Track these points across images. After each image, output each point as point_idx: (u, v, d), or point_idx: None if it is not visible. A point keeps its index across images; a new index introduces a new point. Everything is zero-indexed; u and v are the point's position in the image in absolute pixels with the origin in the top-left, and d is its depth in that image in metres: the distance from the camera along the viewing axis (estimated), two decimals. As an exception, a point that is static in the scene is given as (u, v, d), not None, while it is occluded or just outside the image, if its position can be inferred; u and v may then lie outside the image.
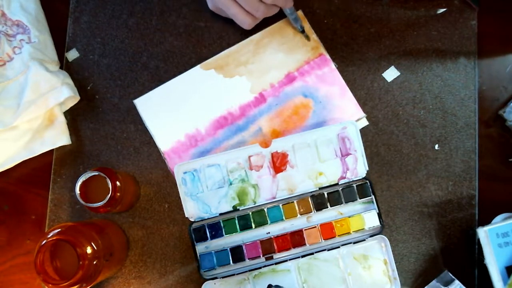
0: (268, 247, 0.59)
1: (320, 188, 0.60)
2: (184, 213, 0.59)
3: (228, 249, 0.59)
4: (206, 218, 0.60)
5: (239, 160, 0.60)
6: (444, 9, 0.65)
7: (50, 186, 0.63)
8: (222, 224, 0.60)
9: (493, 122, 0.63)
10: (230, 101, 0.64)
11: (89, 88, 0.65)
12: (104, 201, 0.54)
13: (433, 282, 0.58)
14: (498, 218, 0.58)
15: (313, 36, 0.64)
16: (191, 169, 0.60)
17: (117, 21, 0.66)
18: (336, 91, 0.63)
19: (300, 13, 0.65)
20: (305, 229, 0.59)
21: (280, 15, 0.64)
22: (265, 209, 0.60)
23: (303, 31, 0.64)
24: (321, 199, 0.60)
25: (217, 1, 0.57)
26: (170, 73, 0.65)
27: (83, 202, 0.55)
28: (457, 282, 0.56)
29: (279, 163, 0.60)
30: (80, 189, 0.55)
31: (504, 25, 0.65)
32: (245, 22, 0.58)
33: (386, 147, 0.62)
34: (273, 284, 0.54)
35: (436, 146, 0.62)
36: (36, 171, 0.63)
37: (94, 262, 0.51)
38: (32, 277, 0.61)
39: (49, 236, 0.50)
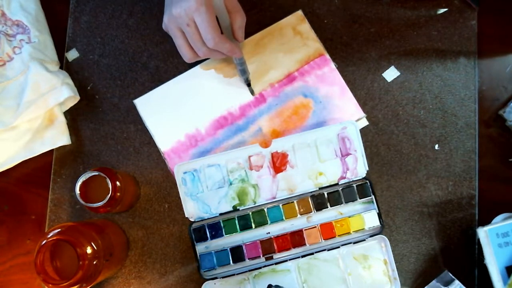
0: (268, 247, 0.59)
1: (320, 188, 0.60)
2: (184, 213, 0.59)
3: (228, 249, 0.59)
4: (206, 218, 0.60)
5: (239, 160, 0.60)
6: (444, 9, 0.65)
7: (50, 186, 0.63)
8: (222, 224, 0.60)
9: (493, 122, 0.63)
10: (230, 101, 0.64)
11: (89, 88, 0.65)
12: (104, 201, 0.54)
13: (433, 282, 0.58)
14: (498, 218, 0.58)
15: (313, 35, 0.65)
16: (191, 169, 0.60)
17: (117, 21, 0.66)
18: (336, 91, 0.63)
19: (300, 13, 0.65)
20: (305, 229, 0.59)
21: (280, 15, 0.64)
22: (265, 209, 0.60)
23: (249, 85, 0.62)
24: (321, 199, 0.60)
25: (167, 26, 0.57)
26: (170, 73, 0.65)
27: (83, 202, 0.55)
28: (457, 282, 0.56)
29: (279, 163, 0.60)
30: (80, 189, 0.55)
31: (504, 25, 0.65)
32: (186, 56, 0.58)
33: (386, 147, 0.62)
34: (273, 284, 0.54)
35: (436, 146, 0.62)
36: (36, 171, 0.63)
37: (94, 262, 0.51)
38: (32, 277, 0.61)
39: (49, 236, 0.50)
